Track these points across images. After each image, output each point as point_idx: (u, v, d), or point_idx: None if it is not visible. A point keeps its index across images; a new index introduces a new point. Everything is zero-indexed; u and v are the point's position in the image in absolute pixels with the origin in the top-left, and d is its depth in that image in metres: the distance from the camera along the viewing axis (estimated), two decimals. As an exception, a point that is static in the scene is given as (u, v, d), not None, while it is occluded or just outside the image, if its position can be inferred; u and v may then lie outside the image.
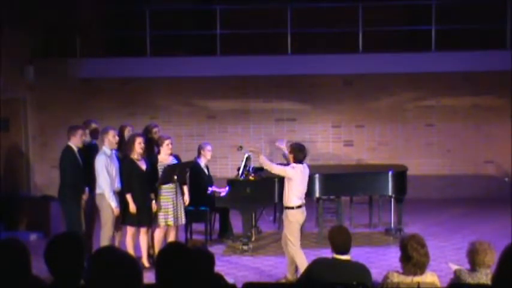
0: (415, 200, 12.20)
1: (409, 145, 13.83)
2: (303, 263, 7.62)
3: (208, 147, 10.10)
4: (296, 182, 7.99)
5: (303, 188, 8.10)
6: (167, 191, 8.76)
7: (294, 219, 7.98)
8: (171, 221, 8.74)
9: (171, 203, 8.74)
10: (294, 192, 7.99)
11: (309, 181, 8.50)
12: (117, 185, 8.65)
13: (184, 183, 9.18)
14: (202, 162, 10.07)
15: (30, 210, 10.94)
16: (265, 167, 8.29)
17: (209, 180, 10.20)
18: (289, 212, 8.02)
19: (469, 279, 5.10)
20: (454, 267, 5.33)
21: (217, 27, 13.11)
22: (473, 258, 5.13)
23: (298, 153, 8.02)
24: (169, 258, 3.36)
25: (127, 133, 9.27)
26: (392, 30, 13.60)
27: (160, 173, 8.75)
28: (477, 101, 13.72)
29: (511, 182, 13.02)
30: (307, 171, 8.19)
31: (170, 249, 3.46)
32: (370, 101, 13.81)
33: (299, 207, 8.01)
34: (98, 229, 8.90)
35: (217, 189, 10.01)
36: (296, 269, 7.99)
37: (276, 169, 8.17)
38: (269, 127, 13.90)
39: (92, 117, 10.87)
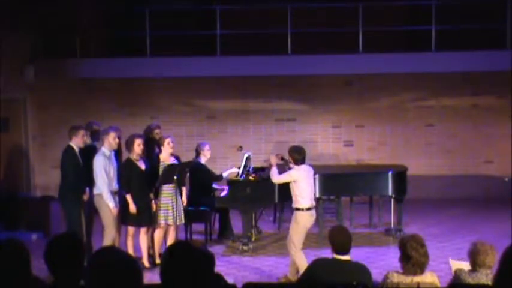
0: (415, 200, 12.20)
1: (409, 145, 13.83)
2: (303, 265, 7.61)
3: (207, 147, 10.10)
4: (302, 182, 8.00)
5: (310, 188, 8.09)
6: (168, 189, 8.77)
7: (302, 222, 7.97)
8: (171, 219, 8.75)
9: (172, 201, 8.75)
10: (302, 193, 7.98)
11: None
12: (115, 186, 8.65)
13: (183, 185, 9.19)
14: (203, 161, 10.07)
15: (30, 210, 10.94)
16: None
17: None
18: (298, 213, 8.00)
19: (469, 279, 5.10)
20: (455, 263, 5.34)
21: (217, 28, 13.10)
22: (474, 258, 5.14)
23: (296, 155, 8.04)
24: (178, 256, 3.27)
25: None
26: (392, 30, 13.59)
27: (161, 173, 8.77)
28: (477, 101, 13.73)
29: (511, 182, 13.02)
30: (311, 171, 8.21)
31: (179, 247, 3.37)
32: (370, 101, 13.81)
33: (308, 209, 8.00)
34: (98, 229, 8.90)
35: (218, 187, 10.04)
36: (297, 269, 7.98)
37: (280, 178, 8.26)
38: (269, 127, 13.90)
39: (92, 117, 10.88)
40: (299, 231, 7.99)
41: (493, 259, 5.07)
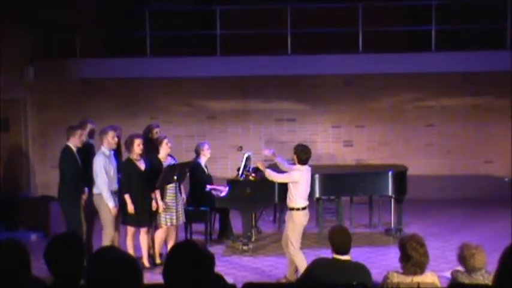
0: (415, 200, 12.19)
1: (409, 145, 13.82)
2: (302, 265, 7.62)
3: (206, 146, 10.10)
4: (302, 184, 7.99)
5: (307, 189, 8.10)
6: (171, 190, 8.77)
7: (299, 221, 7.97)
8: (174, 220, 8.77)
9: (175, 202, 8.76)
10: (300, 193, 7.98)
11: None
12: (115, 185, 8.65)
13: (181, 182, 9.20)
14: (203, 161, 10.07)
15: (30, 210, 10.94)
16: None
17: (209, 180, 10.21)
18: (294, 213, 8.00)
19: (466, 280, 5.11)
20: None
21: (217, 28, 13.10)
22: (464, 264, 5.17)
23: (302, 154, 8.00)
24: (182, 255, 3.23)
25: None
26: (392, 30, 13.59)
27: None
28: (477, 101, 13.72)
29: (511, 182, 13.01)
30: (310, 172, 8.20)
31: (185, 246, 3.32)
32: (370, 101, 13.81)
33: (304, 208, 8.01)
34: (98, 229, 8.91)
35: (217, 187, 10.03)
36: (296, 269, 7.99)
37: (282, 178, 8.24)
38: (269, 127, 13.89)
39: (92, 117, 10.87)
40: (296, 230, 7.99)
41: (482, 260, 5.09)
